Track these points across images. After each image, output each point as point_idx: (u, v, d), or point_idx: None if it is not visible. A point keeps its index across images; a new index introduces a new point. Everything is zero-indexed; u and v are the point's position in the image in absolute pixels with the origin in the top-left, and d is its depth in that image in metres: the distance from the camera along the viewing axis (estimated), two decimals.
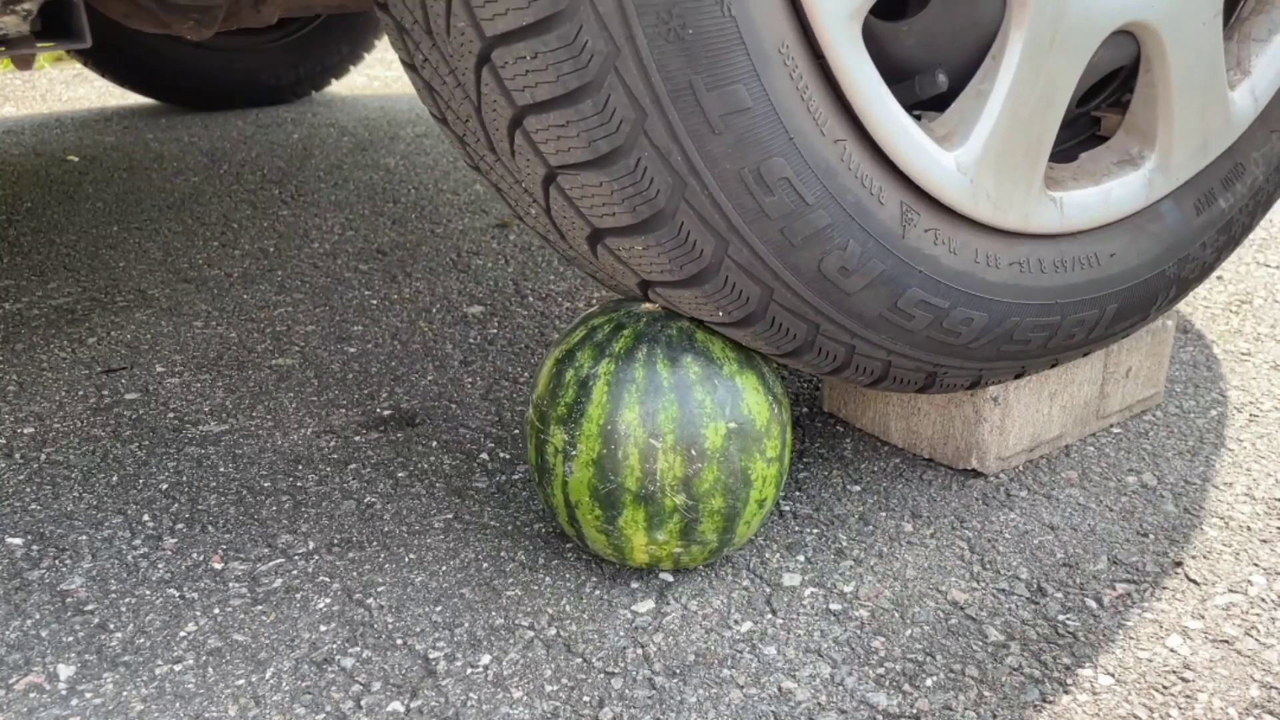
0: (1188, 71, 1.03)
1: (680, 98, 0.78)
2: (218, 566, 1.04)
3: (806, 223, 0.87)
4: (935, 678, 0.90)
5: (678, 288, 0.91)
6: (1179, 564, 1.04)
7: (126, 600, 0.99)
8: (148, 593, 1.00)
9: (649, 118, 0.79)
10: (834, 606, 0.98)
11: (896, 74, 0.97)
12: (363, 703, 0.87)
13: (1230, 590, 1.00)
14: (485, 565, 1.04)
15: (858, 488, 1.16)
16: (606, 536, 0.95)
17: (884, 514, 1.12)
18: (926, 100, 0.99)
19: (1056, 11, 0.92)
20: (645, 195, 0.83)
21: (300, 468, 1.21)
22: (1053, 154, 1.12)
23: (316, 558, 1.05)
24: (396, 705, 0.86)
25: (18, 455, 1.22)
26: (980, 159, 0.94)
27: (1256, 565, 1.04)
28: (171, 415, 1.31)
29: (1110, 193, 1.05)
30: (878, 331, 0.96)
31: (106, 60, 2.67)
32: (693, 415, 0.90)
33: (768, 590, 1.00)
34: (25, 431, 1.27)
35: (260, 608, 0.98)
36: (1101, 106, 1.14)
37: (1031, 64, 0.93)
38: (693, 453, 0.90)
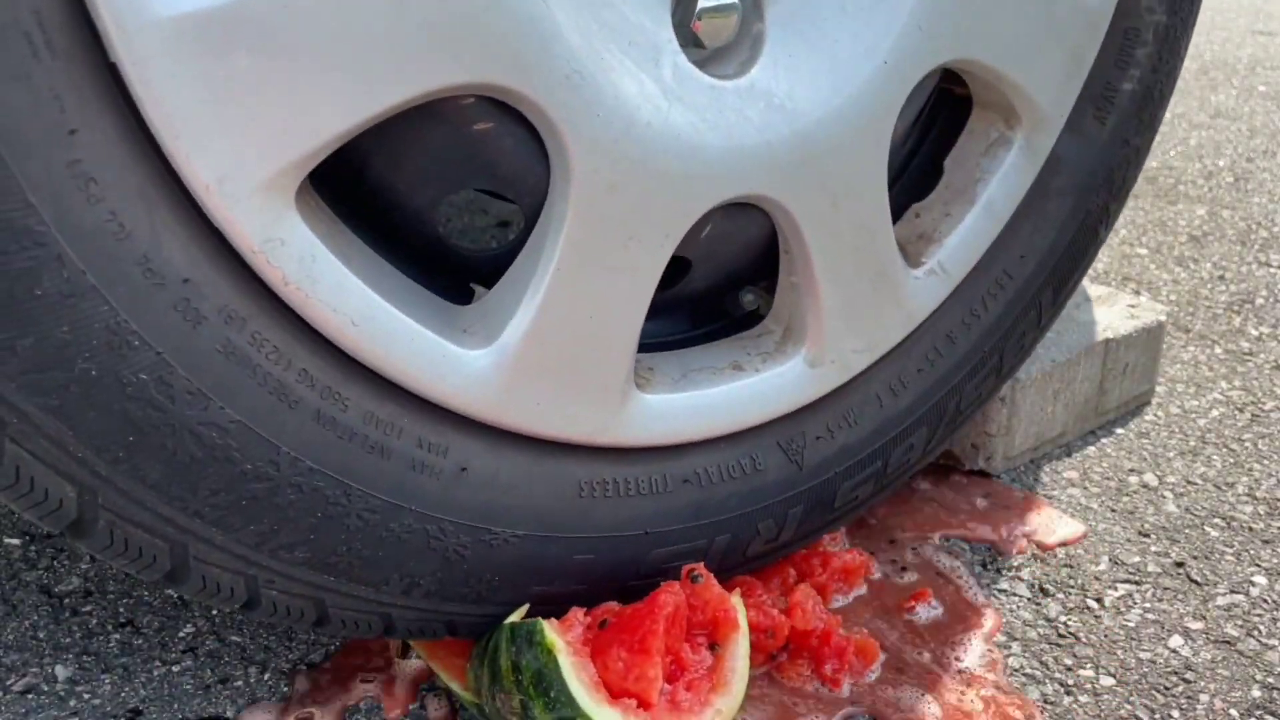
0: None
1: None
2: None
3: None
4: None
5: None
6: (1180, 564, 1.04)
7: (124, 601, 0.98)
8: (145, 594, 1.00)
9: None
10: None
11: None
12: None
13: (1232, 591, 1.00)
14: None
15: None
16: None
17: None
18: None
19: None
20: None
21: None
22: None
23: None
24: None
25: None
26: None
27: (1258, 566, 1.03)
28: None
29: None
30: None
31: None
32: None
33: None
34: None
35: None
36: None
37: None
38: None
